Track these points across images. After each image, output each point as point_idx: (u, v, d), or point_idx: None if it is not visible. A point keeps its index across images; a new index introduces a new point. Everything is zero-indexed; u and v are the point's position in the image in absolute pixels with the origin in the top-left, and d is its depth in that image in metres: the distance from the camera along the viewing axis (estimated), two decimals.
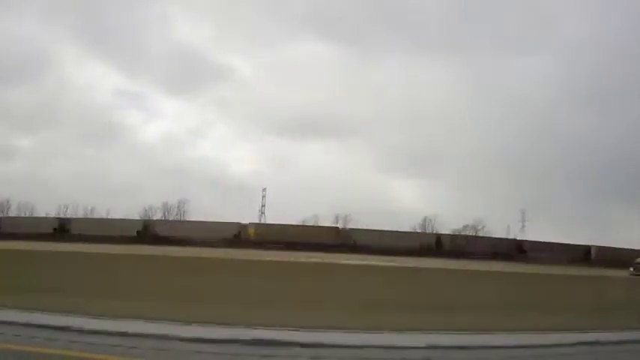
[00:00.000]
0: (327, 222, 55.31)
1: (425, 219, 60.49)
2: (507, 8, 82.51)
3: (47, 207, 62.06)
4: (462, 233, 53.60)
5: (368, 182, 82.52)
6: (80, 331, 6.87)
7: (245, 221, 47.38)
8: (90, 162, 78.72)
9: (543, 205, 67.74)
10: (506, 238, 48.56)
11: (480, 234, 55.77)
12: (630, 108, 76.47)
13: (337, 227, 48.74)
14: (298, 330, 7.38)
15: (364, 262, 18.32)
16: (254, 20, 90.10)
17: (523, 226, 56.85)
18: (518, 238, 48.37)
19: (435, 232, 52.66)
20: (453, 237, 47.65)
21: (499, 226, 64.98)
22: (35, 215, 54.29)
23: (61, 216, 51.21)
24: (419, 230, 56.48)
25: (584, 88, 75.21)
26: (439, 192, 77.70)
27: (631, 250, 39.58)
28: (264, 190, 58.54)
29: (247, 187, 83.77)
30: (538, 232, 66.27)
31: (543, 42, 79.23)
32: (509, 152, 76.07)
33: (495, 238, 46.82)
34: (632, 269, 24.83)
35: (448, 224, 58.12)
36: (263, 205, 57.72)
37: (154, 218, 54.71)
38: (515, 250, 42.83)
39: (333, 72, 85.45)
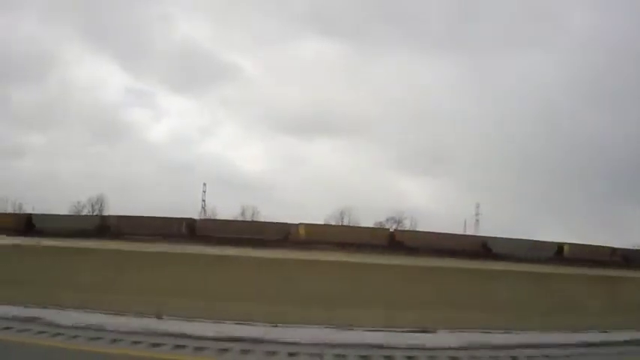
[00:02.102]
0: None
1: (341, 212, 56.20)
2: (512, 5, 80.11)
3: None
4: (385, 226, 49.76)
5: (371, 180, 79.42)
6: None
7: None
8: (91, 160, 74.35)
9: (540, 205, 65.69)
10: (467, 235, 45.09)
11: (405, 227, 52.45)
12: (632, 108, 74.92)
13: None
14: None
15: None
16: (258, 19, 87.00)
17: (477, 220, 56.48)
18: (481, 235, 44.84)
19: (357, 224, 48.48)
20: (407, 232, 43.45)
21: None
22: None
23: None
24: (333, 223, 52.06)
25: (591, 86, 72.42)
26: (446, 191, 73.95)
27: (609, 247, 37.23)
28: (204, 185, 57.34)
29: (253, 185, 78.08)
30: (535, 231, 64.49)
31: (550, 40, 75.84)
32: (511, 150, 72.51)
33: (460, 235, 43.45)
34: None
35: (370, 216, 56.54)
36: (203, 200, 57.11)
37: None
38: (480, 247, 39.01)
39: (338, 70, 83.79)
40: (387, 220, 55.56)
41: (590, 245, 42.35)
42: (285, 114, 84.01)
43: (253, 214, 54.26)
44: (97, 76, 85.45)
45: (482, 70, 78.40)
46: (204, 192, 57.01)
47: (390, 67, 78.88)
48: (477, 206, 57.29)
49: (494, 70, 77.03)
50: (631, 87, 74.66)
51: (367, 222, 52.79)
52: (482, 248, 41.65)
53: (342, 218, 55.61)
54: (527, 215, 63.90)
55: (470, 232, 51.91)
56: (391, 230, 39.61)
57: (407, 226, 53.60)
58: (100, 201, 56.02)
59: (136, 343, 6.88)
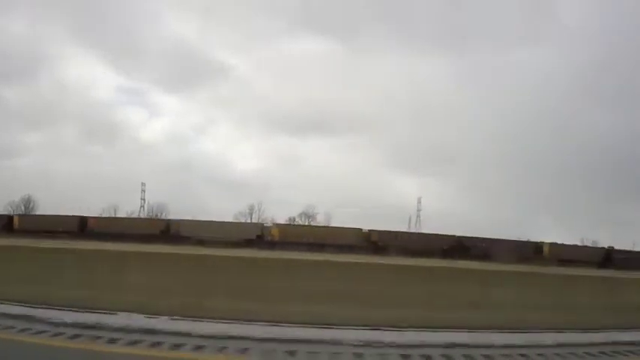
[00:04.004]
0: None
1: (251, 207, 57.25)
2: (514, 3, 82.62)
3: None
4: (296, 222, 52.41)
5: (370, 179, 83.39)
6: None
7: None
8: (85, 160, 78.06)
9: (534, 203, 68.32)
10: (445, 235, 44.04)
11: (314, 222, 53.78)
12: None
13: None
14: None
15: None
16: (251, 18, 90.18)
17: (418, 216, 56.95)
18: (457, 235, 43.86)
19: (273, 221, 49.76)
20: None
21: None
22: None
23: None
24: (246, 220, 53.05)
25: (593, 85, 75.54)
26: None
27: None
28: (143, 184, 57.90)
29: (249, 184, 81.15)
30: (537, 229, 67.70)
31: (553, 40, 79.61)
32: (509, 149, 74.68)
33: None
34: None
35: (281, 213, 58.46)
36: (142, 199, 57.81)
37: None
38: (457, 246, 38.17)
39: (335, 70, 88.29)
40: (300, 215, 55.25)
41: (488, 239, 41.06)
42: (287, 113, 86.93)
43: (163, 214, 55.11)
44: (89, 75, 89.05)
45: (483, 69, 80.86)
46: (144, 191, 57.35)
47: (386, 66, 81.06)
48: (419, 201, 57.68)
49: (493, 70, 77.88)
50: (633, 86, 76.73)
51: (280, 217, 53.94)
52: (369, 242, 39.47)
53: (252, 214, 55.98)
54: (521, 213, 64.60)
55: (413, 227, 52.61)
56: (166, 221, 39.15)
57: (320, 221, 54.88)
58: (29, 201, 56.51)
59: None
